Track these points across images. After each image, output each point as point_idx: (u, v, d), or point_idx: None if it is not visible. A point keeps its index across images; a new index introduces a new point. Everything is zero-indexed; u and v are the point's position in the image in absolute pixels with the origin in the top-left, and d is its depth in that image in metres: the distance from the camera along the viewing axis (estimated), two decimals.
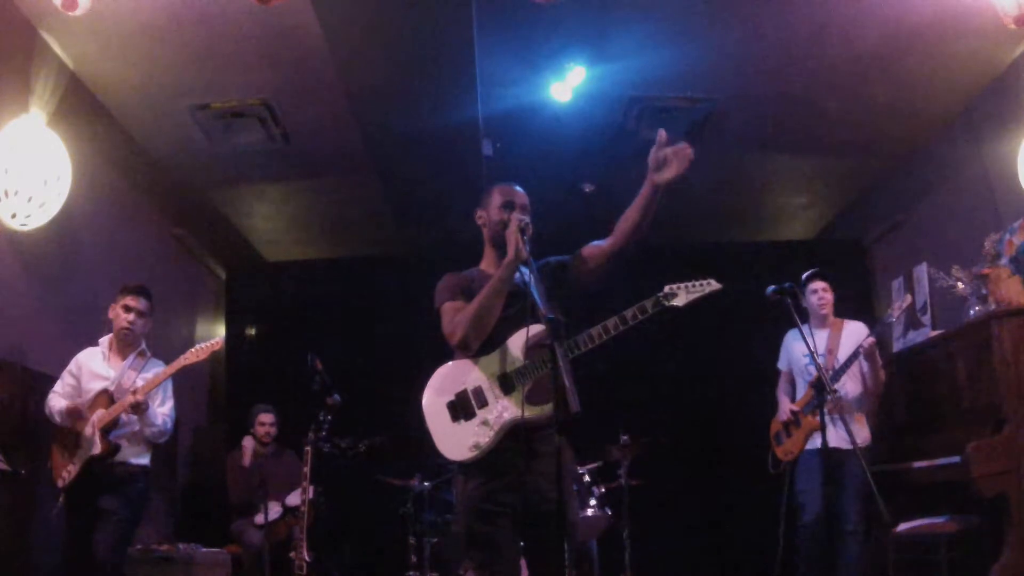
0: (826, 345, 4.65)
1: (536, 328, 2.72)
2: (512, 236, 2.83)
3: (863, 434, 4.52)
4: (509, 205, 3.01)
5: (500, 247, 2.97)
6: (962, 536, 4.19)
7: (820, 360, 4.63)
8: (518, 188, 3.10)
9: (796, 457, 4.67)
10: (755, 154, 6.17)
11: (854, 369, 4.55)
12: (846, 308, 4.79)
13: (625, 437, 5.29)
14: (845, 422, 4.10)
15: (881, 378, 4.58)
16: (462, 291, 2.96)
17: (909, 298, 4.72)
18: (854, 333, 4.63)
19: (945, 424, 4.51)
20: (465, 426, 2.81)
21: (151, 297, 4.18)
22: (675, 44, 4.73)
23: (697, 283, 2.79)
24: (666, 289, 2.78)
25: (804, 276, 4.73)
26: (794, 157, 6.22)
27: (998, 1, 4.01)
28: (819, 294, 4.73)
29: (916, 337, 5.64)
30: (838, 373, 4.47)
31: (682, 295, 2.77)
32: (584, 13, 4.46)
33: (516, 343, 2.85)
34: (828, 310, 4.73)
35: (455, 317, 2.89)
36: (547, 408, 2.73)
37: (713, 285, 2.79)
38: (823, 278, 4.77)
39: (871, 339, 4.47)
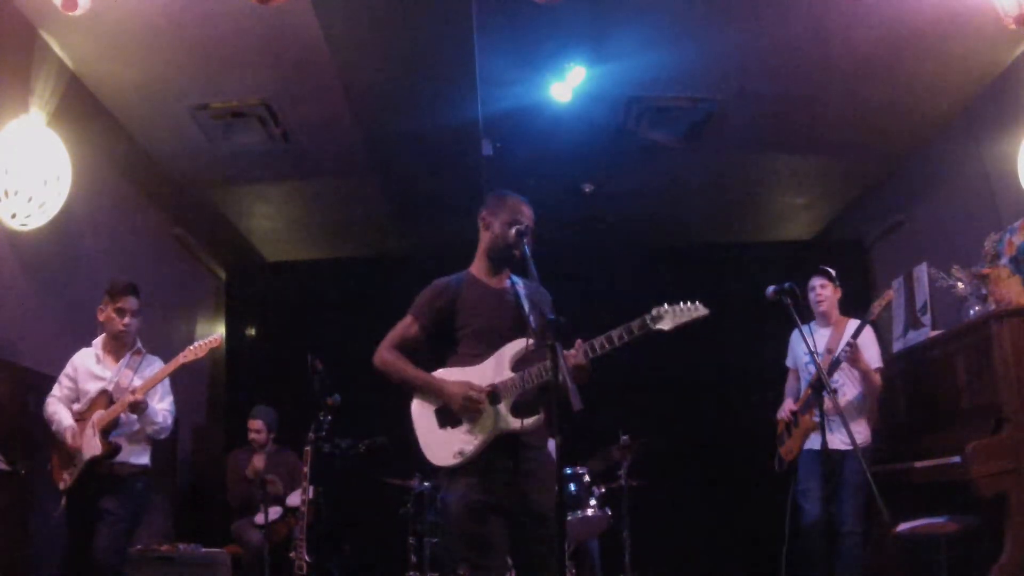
0: (826, 344, 4.62)
1: (525, 344, 2.86)
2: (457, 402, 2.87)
3: (862, 435, 4.50)
4: (515, 223, 3.00)
5: (494, 259, 3.07)
6: (962, 536, 4.18)
7: (819, 359, 4.65)
8: (527, 208, 3.08)
9: (796, 457, 4.68)
10: (755, 154, 6.17)
11: (851, 370, 4.54)
12: (845, 308, 4.78)
13: (625, 437, 5.29)
14: (844, 423, 4.09)
15: (873, 380, 4.51)
16: (438, 308, 3.01)
17: (890, 294, 4.63)
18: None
19: (945, 424, 4.51)
20: (451, 433, 2.88)
21: (140, 294, 4.13)
22: (675, 44, 4.73)
23: (685, 307, 2.77)
24: (653, 311, 2.75)
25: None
26: (794, 157, 6.22)
27: (998, 1, 4.01)
28: (816, 291, 4.72)
29: (916, 337, 5.64)
30: (827, 374, 4.45)
31: (668, 318, 2.74)
32: (584, 13, 4.46)
33: (505, 356, 2.92)
34: (826, 307, 4.71)
35: (396, 343, 3.02)
36: (532, 421, 2.84)
37: (700, 310, 2.77)
38: (823, 275, 4.76)
39: (849, 343, 4.42)
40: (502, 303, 3.02)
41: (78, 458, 3.87)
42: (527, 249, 2.91)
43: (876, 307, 4.52)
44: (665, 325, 2.74)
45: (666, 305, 2.75)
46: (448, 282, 3.08)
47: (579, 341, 2.81)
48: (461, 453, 2.83)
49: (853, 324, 4.63)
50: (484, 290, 3.05)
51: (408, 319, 3.06)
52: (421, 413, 2.95)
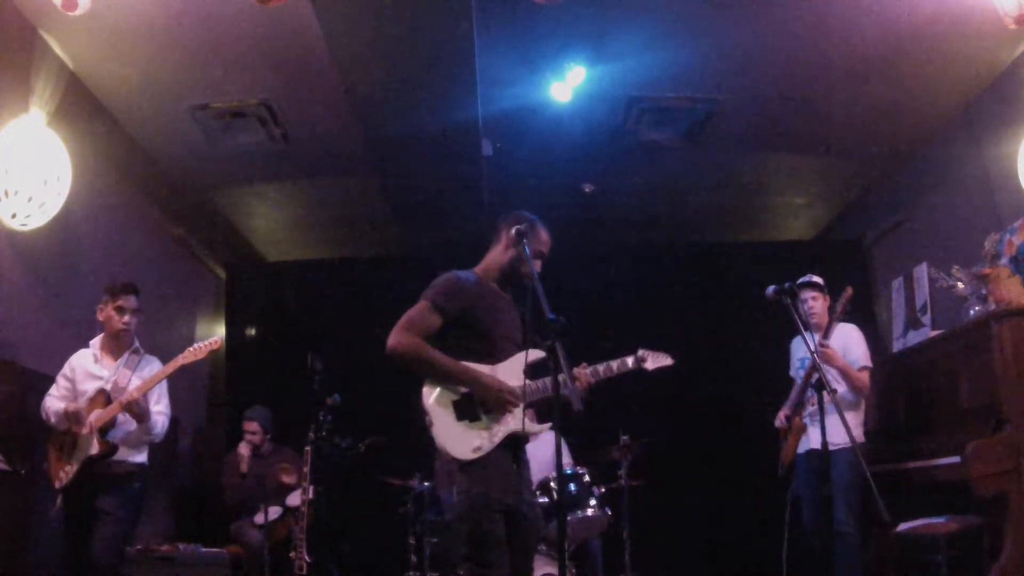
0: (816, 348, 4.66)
1: (536, 353, 2.96)
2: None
3: (853, 433, 4.51)
4: (539, 256, 3.14)
5: (508, 276, 3.17)
6: (962, 536, 4.18)
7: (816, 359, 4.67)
8: (548, 239, 3.24)
9: (792, 460, 4.76)
10: (755, 154, 6.17)
11: (834, 371, 4.55)
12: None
13: (625, 437, 5.29)
14: (841, 419, 4.09)
15: (853, 379, 4.53)
16: (459, 301, 3.03)
17: (850, 291, 4.58)
18: (841, 335, 4.64)
19: (945, 424, 4.51)
20: (469, 427, 2.95)
21: (139, 293, 4.14)
22: (675, 44, 4.73)
23: (660, 354, 3.33)
24: (639, 353, 3.28)
25: (798, 283, 4.73)
26: (794, 157, 6.22)
27: (998, 1, 4.01)
28: (808, 304, 4.75)
29: (916, 337, 5.65)
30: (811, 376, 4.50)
31: (651, 360, 3.28)
32: (584, 13, 4.47)
33: (519, 362, 3.03)
34: (817, 319, 4.73)
35: (416, 329, 2.98)
36: (542, 427, 3.10)
37: (669, 359, 3.36)
38: (811, 287, 4.78)
39: (821, 344, 4.44)
40: (511, 308, 3.18)
41: (76, 455, 3.86)
42: (526, 249, 2.98)
43: (839, 305, 4.54)
44: (648, 365, 3.27)
45: (642, 351, 3.28)
46: (466, 277, 3.12)
47: (584, 364, 3.09)
48: (479, 449, 2.91)
49: (839, 326, 4.66)
50: (495, 294, 3.16)
51: (426, 306, 3.02)
52: (439, 402, 2.98)
